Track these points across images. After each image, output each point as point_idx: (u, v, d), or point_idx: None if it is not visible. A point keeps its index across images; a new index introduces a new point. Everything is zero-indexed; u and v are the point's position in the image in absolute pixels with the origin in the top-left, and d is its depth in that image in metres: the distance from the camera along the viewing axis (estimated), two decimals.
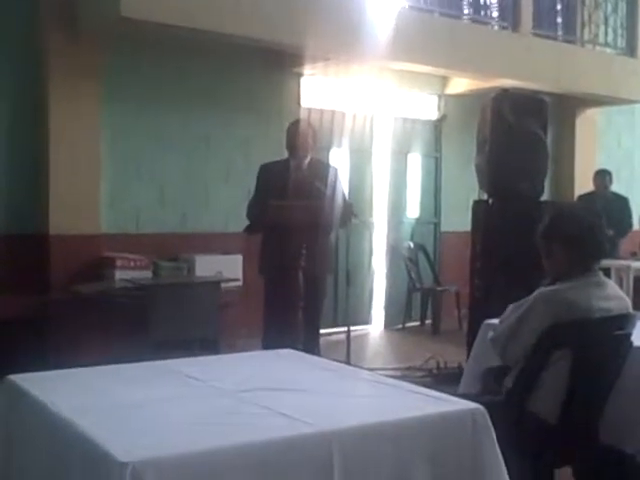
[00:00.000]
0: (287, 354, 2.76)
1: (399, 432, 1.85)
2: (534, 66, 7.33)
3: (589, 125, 9.03)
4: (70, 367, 2.44)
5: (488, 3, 7.52)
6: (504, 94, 5.04)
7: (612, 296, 2.57)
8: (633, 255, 7.58)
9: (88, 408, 1.93)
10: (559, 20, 8.23)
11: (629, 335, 2.55)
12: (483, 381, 2.75)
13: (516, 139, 4.85)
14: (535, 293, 2.56)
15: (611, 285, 2.65)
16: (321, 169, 4.48)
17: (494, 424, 1.96)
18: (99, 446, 1.63)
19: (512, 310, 2.62)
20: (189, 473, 1.58)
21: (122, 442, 1.63)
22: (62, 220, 5.52)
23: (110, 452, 1.58)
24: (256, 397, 2.02)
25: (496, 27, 7.61)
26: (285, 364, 2.58)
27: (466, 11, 7.36)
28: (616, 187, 7.84)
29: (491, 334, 2.71)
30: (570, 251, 2.56)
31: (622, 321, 2.54)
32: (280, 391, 2.11)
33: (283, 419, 1.83)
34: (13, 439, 2.14)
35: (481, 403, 2.00)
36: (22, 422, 2.11)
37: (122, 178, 6.03)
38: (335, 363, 2.72)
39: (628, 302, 2.61)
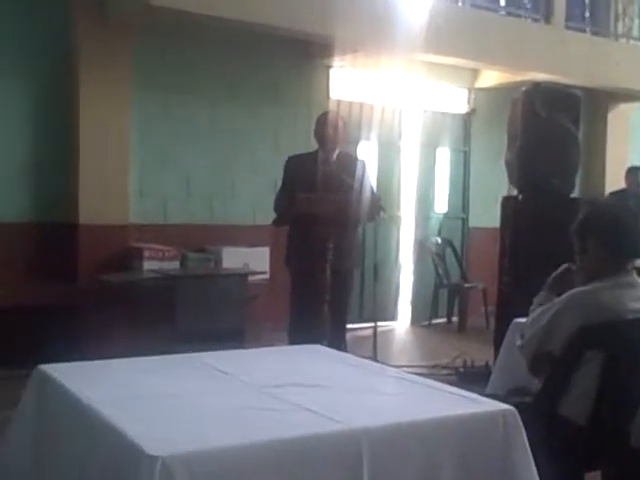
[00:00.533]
0: (315, 349, 2.75)
1: (429, 431, 1.83)
2: (566, 60, 7.21)
3: (622, 121, 8.87)
4: (97, 357, 2.46)
5: None
6: (536, 88, 4.96)
7: None
8: None
9: (118, 400, 1.94)
10: (592, 13, 8.10)
11: None
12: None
13: (548, 134, 4.78)
14: (566, 294, 2.52)
15: None
16: (349, 162, 4.45)
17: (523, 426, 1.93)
18: (129, 439, 1.64)
19: (541, 313, 2.56)
20: (219, 468, 1.58)
21: (152, 435, 1.63)
22: (91, 210, 5.57)
23: (140, 445, 1.58)
24: (285, 393, 2.02)
25: (528, 19, 7.50)
26: (313, 360, 2.57)
27: (502, 3, 7.25)
28: None
29: (519, 342, 2.64)
30: (604, 249, 2.51)
31: None
32: (309, 387, 2.10)
33: (312, 416, 1.82)
34: (44, 428, 2.15)
35: (509, 404, 1.97)
36: (52, 412, 2.12)
37: (150, 168, 6.06)
38: (363, 360, 2.71)
39: None
